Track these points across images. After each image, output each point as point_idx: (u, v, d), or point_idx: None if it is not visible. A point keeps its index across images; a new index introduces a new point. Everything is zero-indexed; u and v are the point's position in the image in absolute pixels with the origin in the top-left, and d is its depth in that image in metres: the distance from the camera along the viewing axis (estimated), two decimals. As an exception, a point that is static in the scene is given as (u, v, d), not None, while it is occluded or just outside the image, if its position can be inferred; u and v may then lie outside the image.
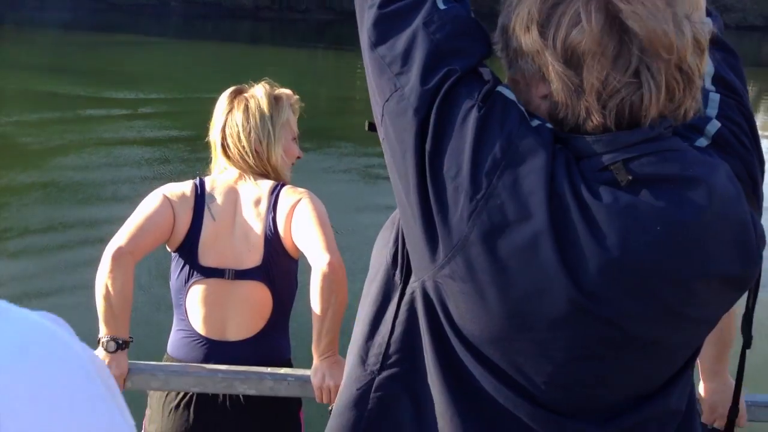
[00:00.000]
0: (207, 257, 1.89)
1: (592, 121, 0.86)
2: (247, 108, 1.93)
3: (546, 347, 0.86)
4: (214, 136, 1.98)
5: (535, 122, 0.88)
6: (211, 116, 2.01)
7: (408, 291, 0.96)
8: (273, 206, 1.90)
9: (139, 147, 9.65)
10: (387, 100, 0.92)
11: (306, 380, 1.78)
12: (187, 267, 1.90)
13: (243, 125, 1.92)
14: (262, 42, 28.57)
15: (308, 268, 1.77)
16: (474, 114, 0.86)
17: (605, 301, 0.82)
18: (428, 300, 0.92)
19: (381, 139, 0.97)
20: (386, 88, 0.92)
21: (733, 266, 0.86)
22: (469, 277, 0.85)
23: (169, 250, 1.95)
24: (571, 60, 0.85)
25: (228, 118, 1.94)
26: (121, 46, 21.37)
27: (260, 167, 1.95)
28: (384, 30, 0.93)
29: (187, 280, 1.90)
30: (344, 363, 1.75)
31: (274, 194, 1.91)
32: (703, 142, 0.93)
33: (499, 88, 0.90)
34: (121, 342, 1.78)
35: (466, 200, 0.84)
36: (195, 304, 1.92)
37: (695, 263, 0.83)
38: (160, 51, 21.83)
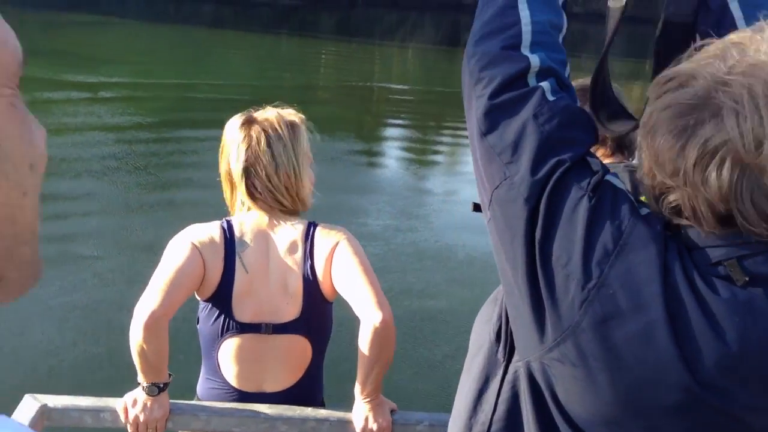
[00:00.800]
0: (242, 311, 1.79)
1: (708, 225, 0.87)
2: (269, 141, 1.78)
3: None
4: (234, 172, 1.81)
5: (645, 211, 0.91)
6: (220, 143, 1.86)
7: (511, 369, 0.99)
8: (310, 252, 1.80)
9: (100, 133, 9.43)
10: (497, 188, 0.95)
11: (347, 421, 1.81)
12: (220, 319, 1.80)
13: (269, 162, 1.78)
14: (225, 26, 28.10)
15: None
16: (584, 204, 0.89)
17: (722, 392, 0.84)
18: (533, 381, 0.94)
19: (486, 221, 1.00)
20: (496, 176, 0.95)
21: None
22: (580, 362, 0.87)
23: (198, 297, 1.84)
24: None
25: (248, 154, 1.78)
26: (81, 27, 20.79)
27: (290, 203, 1.83)
28: (494, 120, 0.96)
29: (221, 334, 1.81)
30: (386, 404, 1.81)
31: (310, 238, 1.81)
32: None
33: (608, 178, 0.93)
34: (162, 385, 1.76)
35: (578, 288, 0.86)
36: (229, 359, 1.84)
37: None
38: (121, 32, 21.30)
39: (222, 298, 1.79)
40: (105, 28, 21.15)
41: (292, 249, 1.81)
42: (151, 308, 1.63)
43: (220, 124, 1.91)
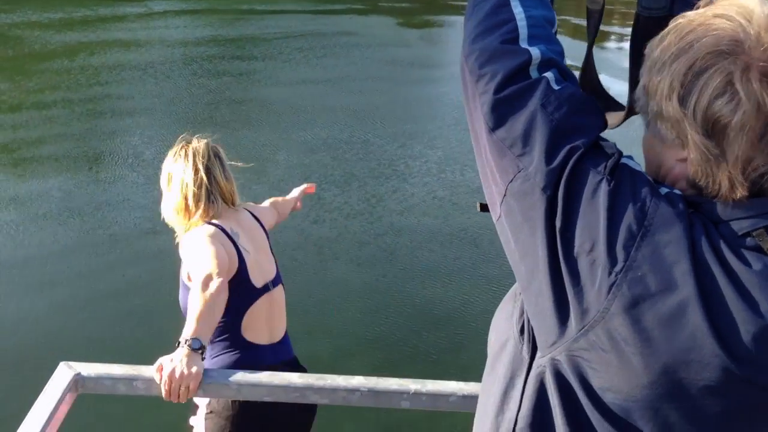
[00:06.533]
0: (256, 280, 2.35)
1: (736, 194, 0.87)
2: (210, 160, 2.33)
3: (695, 414, 0.87)
4: (193, 191, 2.29)
5: (664, 190, 0.89)
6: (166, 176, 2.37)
7: (535, 366, 0.97)
8: (260, 224, 2.52)
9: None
10: (511, 181, 0.94)
11: (379, 392, 1.79)
12: (244, 292, 2.30)
13: (221, 172, 2.37)
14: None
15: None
16: (604, 188, 0.88)
17: (760, 367, 0.83)
18: (561, 376, 0.92)
19: (496, 219, 0.98)
20: (509, 169, 0.94)
21: None
22: (612, 348, 0.86)
23: None
24: (713, 131, 0.86)
25: (200, 174, 2.29)
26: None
27: (234, 200, 2.46)
28: (501, 114, 0.95)
29: (248, 304, 2.31)
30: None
31: (255, 215, 2.52)
32: None
33: (624, 160, 0.92)
34: (202, 344, 1.88)
35: (605, 274, 0.85)
36: (255, 321, 2.34)
37: None
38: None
39: (243, 276, 2.31)
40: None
41: (254, 227, 2.48)
42: (220, 276, 2.09)
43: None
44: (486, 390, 1.09)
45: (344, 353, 4.35)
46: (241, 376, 1.82)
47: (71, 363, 1.79)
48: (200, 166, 2.29)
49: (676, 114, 0.88)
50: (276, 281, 2.45)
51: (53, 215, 5.79)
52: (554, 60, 0.99)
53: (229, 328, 2.31)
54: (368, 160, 7.21)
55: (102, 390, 1.78)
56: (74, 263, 5.12)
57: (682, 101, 0.87)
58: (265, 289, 2.37)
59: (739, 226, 0.86)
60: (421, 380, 1.81)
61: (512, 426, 0.99)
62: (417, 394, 1.78)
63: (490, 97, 0.96)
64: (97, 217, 5.82)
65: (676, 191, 0.90)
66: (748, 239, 0.85)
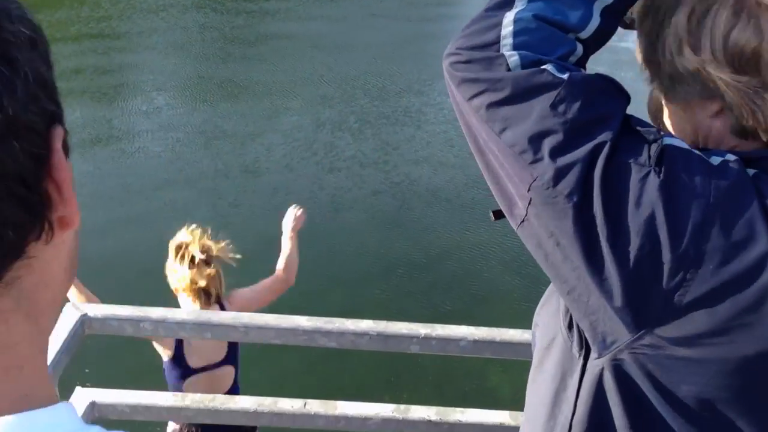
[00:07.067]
0: (192, 361, 2.47)
1: None
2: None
3: None
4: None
5: (716, 159, 0.80)
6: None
7: (590, 368, 0.89)
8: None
9: None
10: (528, 189, 0.82)
11: (387, 335, 1.77)
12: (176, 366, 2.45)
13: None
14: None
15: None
16: (653, 181, 0.77)
17: None
18: (624, 375, 0.85)
19: (516, 226, 0.87)
20: (525, 177, 0.82)
21: None
22: (686, 343, 0.79)
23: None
24: (741, 63, 0.79)
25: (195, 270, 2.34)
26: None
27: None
28: (506, 116, 0.82)
29: (179, 379, 2.45)
30: None
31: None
32: None
33: (668, 141, 0.81)
34: None
35: (673, 271, 0.76)
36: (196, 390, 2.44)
37: None
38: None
39: (178, 354, 2.45)
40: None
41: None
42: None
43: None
44: (533, 388, 1.02)
45: (357, 303, 4.35)
46: (249, 319, 1.80)
47: (78, 304, 1.78)
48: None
49: (695, 63, 0.81)
50: (221, 365, 2.51)
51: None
52: (544, 60, 0.84)
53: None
54: (384, 107, 7.12)
55: (109, 330, 1.77)
56: (84, 214, 5.12)
57: (696, 49, 0.80)
58: (204, 369, 2.48)
59: None
60: (430, 324, 1.79)
61: (566, 430, 0.92)
62: (427, 339, 1.76)
63: (489, 97, 0.84)
64: (111, 162, 5.82)
65: (730, 156, 0.80)
66: None
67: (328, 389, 3.45)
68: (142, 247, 4.65)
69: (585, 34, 0.86)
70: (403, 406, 1.85)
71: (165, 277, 2.39)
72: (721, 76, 0.80)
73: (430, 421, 1.81)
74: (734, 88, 0.80)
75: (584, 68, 0.88)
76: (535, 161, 0.81)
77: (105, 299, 2.16)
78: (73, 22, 9.23)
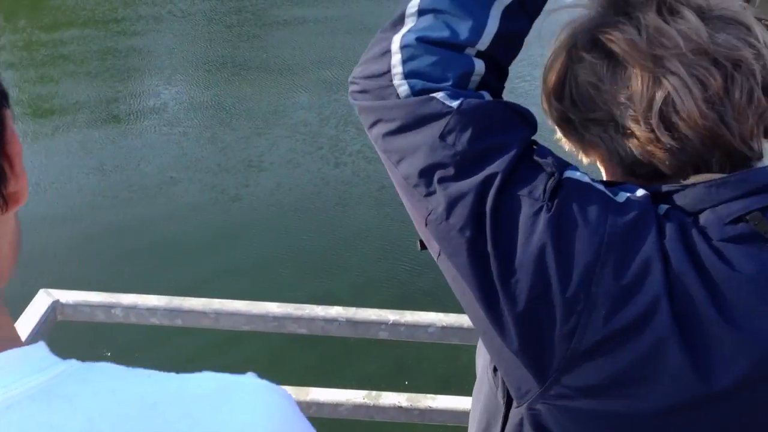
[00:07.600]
0: None
1: (662, 141, 0.79)
2: None
3: None
4: None
5: (623, 196, 0.75)
6: None
7: (511, 416, 0.84)
8: None
9: None
10: (426, 224, 0.79)
11: (357, 321, 1.77)
12: None
13: None
14: None
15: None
16: (543, 218, 0.72)
17: (737, 402, 0.72)
18: (541, 427, 0.80)
19: (436, 257, 0.83)
20: (422, 211, 0.80)
21: None
22: (590, 394, 0.75)
23: None
24: (591, 95, 0.84)
25: None
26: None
27: None
28: (400, 148, 0.79)
29: None
30: None
31: None
32: None
33: (568, 174, 0.76)
34: None
35: (565, 316, 0.72)
36: None
37: None
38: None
39: None
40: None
41: None
42: None
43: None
44: (472, 414, 0.98)
45: (364, 297, 4.35)
46: (219, 305, 1.81)
47: (50, 290, 1.80)
48: None
49: (560, 112, 0.86)
50: None
51: (71, 156, 5.85)
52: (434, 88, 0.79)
53: None
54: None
55: (80, 317, 1.79)
56: (94, 210, 5.19)
57: (560, 99, 0.86)
58: None
59: (727, 211, 0.72)
60: (399, 311, 1.78)
61: None
62: (395, 325, 1.76)
63: (383, 128, 0.80)
64: (116, 161, 5.87)
65: (639, 192, 0.75)
66: (741, 225, 0.72)
67: (299, 375, 3.47)
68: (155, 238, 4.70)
69: (483, 45, 0.80)
70: (374, 393, 1.84)
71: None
72: (583, 115, 0.83)
73: (401, 407, 1.81)
74: (601, 125, 0.82)
75: (502, 81, 0.84)
76: (428, 194, 0.77)
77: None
78: (82, 7, 9.36)
